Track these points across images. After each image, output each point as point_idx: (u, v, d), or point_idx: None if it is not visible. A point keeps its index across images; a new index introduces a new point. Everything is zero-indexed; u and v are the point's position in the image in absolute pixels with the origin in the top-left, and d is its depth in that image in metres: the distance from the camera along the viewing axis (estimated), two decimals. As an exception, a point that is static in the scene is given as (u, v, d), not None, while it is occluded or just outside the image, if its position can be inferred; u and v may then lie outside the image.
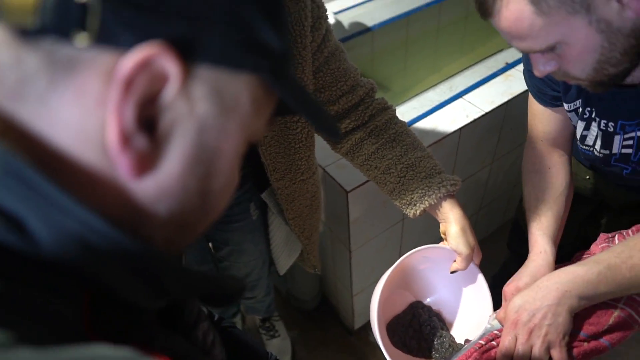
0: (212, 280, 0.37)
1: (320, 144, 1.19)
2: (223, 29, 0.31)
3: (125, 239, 0.30)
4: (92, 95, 0.29)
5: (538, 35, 0.66)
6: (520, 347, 0.76)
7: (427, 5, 1.45)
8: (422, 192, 0.84)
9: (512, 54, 1.55)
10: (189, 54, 0.30)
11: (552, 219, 0.93)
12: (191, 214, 0.35)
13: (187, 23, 0.30)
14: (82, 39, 0.28)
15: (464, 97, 1.42)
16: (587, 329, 0.77)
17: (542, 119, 0.94)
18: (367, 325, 1.63)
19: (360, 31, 1.33)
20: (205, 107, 0.32)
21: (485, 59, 1.56)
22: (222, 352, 0.58)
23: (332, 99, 0.86)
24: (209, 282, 0.37)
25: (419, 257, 0.85)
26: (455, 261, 0.84)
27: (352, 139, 0.89)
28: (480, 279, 0.86)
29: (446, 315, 0.90)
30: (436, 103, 1.41)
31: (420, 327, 0.88)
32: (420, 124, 1.35)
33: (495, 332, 0.81)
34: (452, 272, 0.85)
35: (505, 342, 0.77)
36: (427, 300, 0.91)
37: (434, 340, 0.87)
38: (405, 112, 1.38)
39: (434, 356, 0.85)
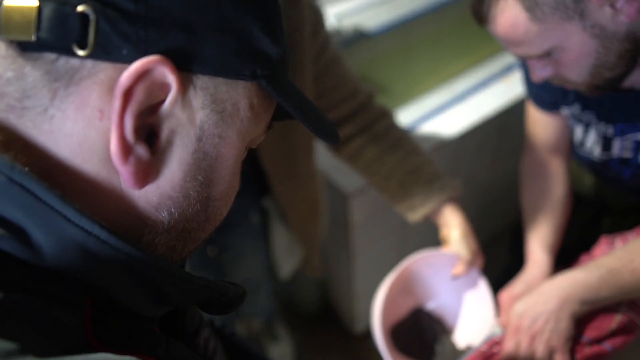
0: (213, 287, 0.37)
1: (321, 149, 1.19)
2: (220, 39, 0.31)
3: (127, 247, 0.31)
4: (94, 107, 0.30)
5: (533, 41, 0.66)
6: (523, 353, 0.76)
7: (428, 10, 1.45)
8: (423, 197, 0.84)
9: (512, 58, 1.55)
10: (187, 64, 0.31)
11: (550, 228, 0.93)
12: (193, 221, 0.36)
13: (185, 34, 0.30)
14: (82, 53, 0.28)
15: (465, 101, 1.42)
16: (590, 333, 0.77)
17: (541, 125, 0.94)
18: (369, 330, 1.63)
19: (360, 36, 1.34)
20: (204, 116, 0.32)
21: (485, 63, 1.56)
22: (224, 359, 0.58)
23: (332, 104, 0.86)
24: (210, 289, 0.37)
25: (421, 262, 0.85)
26: (456, 266, 0.84)
27: (352, 144, 0.89)
28: (482, 283, 0.86)
29: (448, 320, 0.90)
30: (437, 107, 1.41)
31: (422, 332, 0.88)
32: (421, 129, 1.35)
33: (498, 337, 0.81)
34: (453, 277, 0.84)
35: (508, 348, 0.77)
36: (429, 305, 0.91)
37: (436, 346, 0.87)
38: (405, 116, 1.39)
39: (436, 362, 0.85)
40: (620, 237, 0.88)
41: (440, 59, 1.52)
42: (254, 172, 0.93)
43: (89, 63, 0.29)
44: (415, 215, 0.86)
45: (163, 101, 0.31)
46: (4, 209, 0.28)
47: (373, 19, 1.35)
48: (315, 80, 0.84)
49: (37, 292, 0.29)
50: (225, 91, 0.33)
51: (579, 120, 0.87)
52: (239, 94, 0.34)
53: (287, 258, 1.21)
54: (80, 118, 0.30)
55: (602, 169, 0.92)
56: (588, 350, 0.76)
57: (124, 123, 0.30)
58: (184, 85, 0.31)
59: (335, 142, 0.41)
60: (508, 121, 1.45)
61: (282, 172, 0.92)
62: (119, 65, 0.29)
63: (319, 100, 0.86)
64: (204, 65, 0.31)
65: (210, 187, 0.35)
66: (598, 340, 0.77)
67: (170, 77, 0.30)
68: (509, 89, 1.44)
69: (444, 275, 0.87)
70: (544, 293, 0.77)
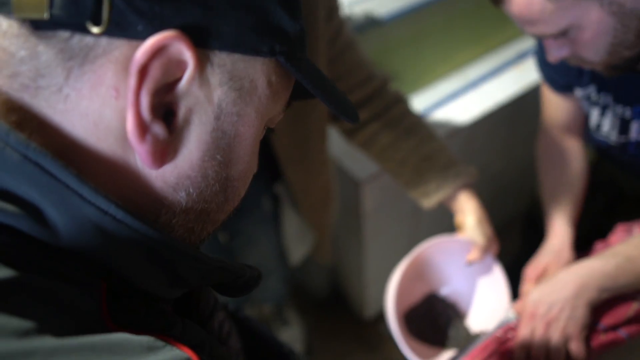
0: (229, 268, 0.37)
1: (333, 135, 1.19)
2: (237, 14, 0.31)
3: (144, 227, 0.30)
4: (109, 86, 0.29)
5: (549, 19, 0.65)
6: (538, 340, 0.75)
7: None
8: (438, 183, 0.83)
9: (525, 45, 1.53)
10: (204, 41, 0.30)
11: (570, 200, 0.93)
12: (212, 202, 0.35)
13: (202, 10, 0.30)
14: (96, 30, 0.28)
15: (477, 88, 1.41)
16: (606, 321, 0.77)
17: (555, 106, 0.94)
18: (379, 316, 1.63)
19: (372, 23, 1.32)
20: (222, 93, 0.32)
21: (498, 50, 1.54)
22: (238, 343, 0.58)
23: (347, 89, 0.86)
24: (226, 271, 0.37)
25: (435, 248, 0.84)
26: (471, 252, 0.83)
27: (367, 130, 0.88)
28: (497, 270, 0.85)
29: (461, 305, 0.90)
30: (449, 95, 1.40)
31: (435, 318, 0.88)
32: (432, 116, 1.34)
33: (512, 323, 0.80)
34: (468, 264, 0.84)
35: (523, 334, 0.76)
36: (443, 291, 0.91)
37: (449, 331, 0.87)
38: (417, 103, 1.37)
39: (449, 347, 0.85)
40: (638, 224, 0.87)
41: (452, 46, 1.50)
42: (266, 158, 0.93)
43: (104, 40, 0.28)
44: (430, 201, 0.85)
45: (180, 79, 0.30)
46: (18, 187, 0.28)
47: (384, 6, 1.33)
48: (330, 65, 0.83)
49: (52, 272, 0.29)
50: (243, 68, 0.32)
51: (594, 103, 0.86)
52: (256, 71, 0.33)
53: (298, 244, 1.21)
54: (96, 97, 0.29)
55: (618, 153, 0.90)
56: (603, 337, 0.76)
57: (140, 101, 0.29)
58: (201, 62, 0.30)
59: (355, 120, 0.40)
60: (520, 109, 1.44)
61: (295, 158, 0.91)
62: (134, 42, 0.29)
63: (333, 85, 0.85)
64: (221, 41, 0.31)
65: (229, 167, 0.35)
66: (614, 328, 0.76)
67: (186, 53, 0.29)
68: (521, 76, 1.43)
69: (458, 261, 0.87)
70: (560, 280, 0.77)
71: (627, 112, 0.81)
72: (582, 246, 0.93)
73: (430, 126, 0.90)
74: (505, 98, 1.37)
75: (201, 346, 0.38)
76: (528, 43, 1.52)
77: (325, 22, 0.79)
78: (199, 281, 0.36)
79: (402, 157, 0.86)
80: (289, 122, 0.85)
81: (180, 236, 0.36)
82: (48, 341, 0.25)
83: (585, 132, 0.96)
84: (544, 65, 0.90)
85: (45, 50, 0.28)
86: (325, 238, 1.17)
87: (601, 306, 0.77)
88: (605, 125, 0.87)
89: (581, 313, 0.75)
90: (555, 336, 0.75)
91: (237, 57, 0.32)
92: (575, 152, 0.97)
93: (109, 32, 0.28)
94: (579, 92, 0.87)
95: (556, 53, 0.71)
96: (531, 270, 0.89)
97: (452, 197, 0.85)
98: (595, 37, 0.66)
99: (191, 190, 0.33)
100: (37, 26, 0.28)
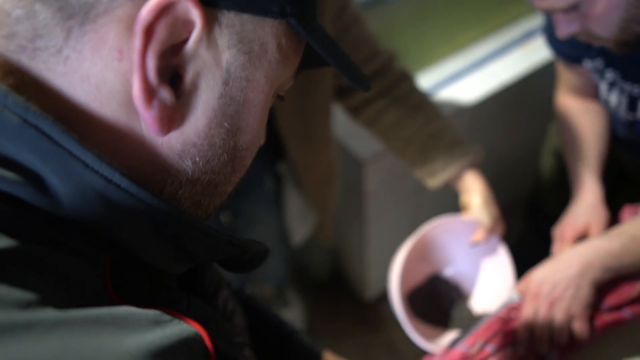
0: (237, 243, 0.36)
1: (337, 114, 1.17)
2: None
3: (149, 196, 0.29)
4: (112, 47, 0.28)
5: None
6: (541, 319, 0.75)
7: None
8: (443, 162, 0.82)
9: (532, 24, 1.50)
10: (212, 0, 0.29)
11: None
12: (220, 172, 0.34)
13: None
14: None
15: (483, 68, 1.39)
16: (609, 300, 0.76)
17: (570, 77, 0.94)
18: (379, 298, 1.64)
19: (375, 1, 1.30)
20: (231, 57, 0.30)
21: (504, 29, 1.51)
22: (243, 321, 0.58)
23: (352, 66, 0.84)
24: (233, 246, 0.36)
25: (439, 228, 0.83)
26: (477, 233, 0.82)
27: (372, 108, 0.87)
28: (502, 251, 0.85)
29: (465, 286, 0.89)
30: (453, 74, 1.38)
31: (438, 298, 0.88)
32: (437, 96, 1.32)
33: (516, 303, 0.80)
34: (473, 244, 0.83)
35: (526, 313, 0.76)
36: (446, 272, 0.90)
37: (452, 312, 0.86)
38: (421, 83, 1.35)
39: (452, 327, 0.84)
40: (645, 205, 0.86)
41: (458, 25, 1.48)
42: (268, 136, 0.91)
43: None
44: (436, 180, 0.84)
45: (186, 40, 0.29)
46: (18, 153, 0.27)
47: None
48: (335, 40, 0.81)
49: (54, 243, 0.28)
50: (252, 29, 0.31)
51: (602, 76, 0.84)
52: (266, 33, 0.31)
53: (299, 224, 1.20)
54: (98, 59, 0.28)
55: (625, 131, 0.89)
56: (607, 317, 0.76)
57: (146, 63, 0.28)
58: (209, 22, 0.29)
59: (367, 89, 0.39)
60: (525, 90, 1.42)
61: (299, 136, 0.90)
62: (137, 1, 0.27)
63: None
64: (230, 0, 0.29)
65: (236, 136, 0.33)
66: (617, 307, 0.76)
67: (194, 12, 0.28)
68: (527, 57, 1.41)
69: (463, 241, 0.86)
70: (564, 260, 0.76)
71: (636, 90, 0.80)
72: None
73: (437, 104, 0.89)
74: (511, 78, 1.35)
75: (207, 322, 0.37)
76: (534, 22, 1.50)
77: (330, -4, 0.77)
78: (205, 255, 0.35)
79: (408, 135, 0.85)
80: (293, 98, 0.84)
81: (186, 210, 0.34)
82: (50, 313, 0.24)
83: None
84: (554, 40, 0.88)
85: (42, 9, 0.27)
86: (328, 218, 1.16)
87: (605, 286, 0.77)
88: (613, 100, 0.85)
89: (585, 292, 0.74)
90: (559, 315, 0.74)
91: (246, 17, 0.30)
92: (594, 110, 0.95)
93: None
94: (587, 64, 0.86)
95: (566, 28, 0.70)
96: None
97: (458, 177, 0.84)
98: (606, 11, 0.64)
99: (197, 159, 0.32)
100: None
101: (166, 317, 0.29)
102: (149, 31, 0.27)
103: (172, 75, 0.29)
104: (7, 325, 0.23)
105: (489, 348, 0.76)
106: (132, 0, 0.27)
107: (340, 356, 0.72)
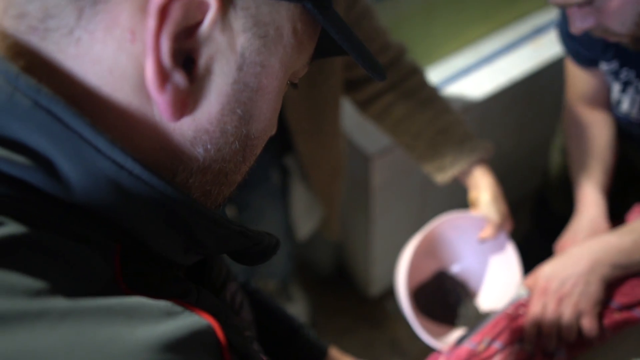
0: (249, 234, 0.35)
1: (345, 107, 1.16)
2: None
3: (162, 183, 0.28)
4: (124, 28, 0.27)
5: None
6: (549, 316, 0.74)
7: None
8: (453, 158, 0.82)
9: (541, 20, 1.49)
10: None
11: (600, 170, 0.91)
12: (231, 161, 0.33)
13: None
14: None
15: (492, 64, 1.38)
16: (619, 299, 0.75)
17: (580, 80, 0.91)
18: (383, 294, 1.63)
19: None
20: (246, 41, 0.29)
21: (514, 25, 1.50)
22: (250, 314, 0.57)
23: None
24: (245, 237, 0.35)
25: (447, 224, 0.83)
26: (485, 229, 0.82)
27: (381, 101, 0.86)
28: (510, 248, 0.84)
29: (472, 283, 0.89)
30: (462, 70, 1.37)
31: (445, 295, 0.87)
32: (445, 91, 1.31)
33: (524, 299, 0.79)
34: (480, 241, 0.82)
35: (534, 310, 0.75)
36: (453, 269, 0.89)
37: (459, 309, 0.86)
38: (429, 78, 1.34)
39: (459, 325, 0.84)
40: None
41: (466, 20, 1.47)
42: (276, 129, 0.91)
43: None
44: (445, 176, 0.83)
45: (201, 22, 0.28)
46: (29, 137, 0.26)
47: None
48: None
49: (64, 230, 0.27)
50: (268, 13, 0.30)
51: (616, 77, 0.83)
52: (282, 17, 0.31)
53: (305, 219, 1.19)
54: (110, 40, 0.27)
55: (638, 131, 0.88)
56: (617, 316, 0.75)
57: (160, 45, 0.27)
58: (224, 4, 0.28)
59: (382, 77, 0.38)
60: (535, 86, 1.41)
61: (307, 129, 0.89)
62: None
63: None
64: None
65: (249, 123, 0.33)
66: (628, 307, 0.75)
67: None
68: (536, 53, 1.39)
69: (470, 238, 0.85)
70: (573, 255, 0.75)
71: None
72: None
73: (447, 99, 0.88)
74: (520, 74, 1.34)
75: (217, 315, 0.36)
76: (544, 18, 1.49)
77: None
78: (216, 246, 0.35)
79: (417, 129, 0.84)
80: (303, 90, 0.83)
81: (196, 199, 0.34)
82: (61, 302, 0.24)
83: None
84: (568, 38, 0.87)
85: None
86: (334, 213, 1.15)
87: (615, 284, 0.76)
88: (626, 101, 0.84)
89: (594, 289, 0.73)
90: (568, 312, 0.73)
91: (261, 0, 0.29)
92: (603, 122, 0.94)
93: None
94: (604, 66, 0.84)
95: (580, 24, 0.68)
96: (569, 245, 0.86)
97: (467, 172, 0.83)
98: (622, 5, 0.63)
99: (209, 146, 0.31)
100: None
101: (178, 308, 0.28)
102: (163, 12, 0.26)
103: (185, 59, 0.29)
104: (16, 314, 0.22)
105: (496, 345, 0.75)
106: None
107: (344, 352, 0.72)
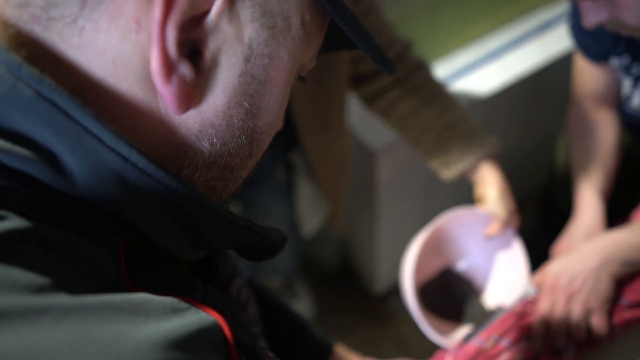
0: (255, 229, 0.34)
1: (350, 103, 1.16)
2: None
3: (168, 177, 0.28)
4: (129, 17, 0.26)
5: None
6: (558, 313, 0.73)
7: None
8: (459, 153, 0.81)
9: (548, 15, 1.47)
10: None
11: (601, 173, 0.90)
12: (237, 156, 0.33)
13: None
14: None
15: (498, 59, 1.36)
16: (629, 296, 0.75)
17: (589, 76, 0.90)
18: (388, 292, 1.63)
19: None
20: (253, 31, 0.29)
21: (520, 20, 1.49)
22: (256, 311, 0.57)
23: (367, 54, 0.82)
24: (252, 232, 0.34)
25: (453, 221, 0.82)
26: (491, 226, 0.81)
27: (387, 97, 0.85)
28: (516, 244, 0.83)
29: (478, 281, 0.88)
30: (468, 65, 1.36)
31: (451, 293, 0.86)
32: (450, 87, 1.30)
33: (532, 297, 0.79)
34: (487, 237, 0.82)
35: (543, 307, 0.74)
36: (459, 266, 0.89)
37: (465, 306, 0.85)
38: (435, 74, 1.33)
39: (465, 322, 0.83)
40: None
41: (473, 15, 1.45)
42: (282, 125, 0.90)
43: None
44: (451, 172, 0.82)
45: (207, 12, 0.27)
46: (32, 129, 0.25)
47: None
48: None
49: (68, 224, 0.27)
50: (276, 3, 0.29)
51: (627, 72, 0.82)
52: (290, 7, 0.30)
53: (310, 216, 1.19)
54: (114, 30, 0.26)
55: None
56: (627, 314, 0.74)
57: (165, 35, 0.26)
58: None
59: (391, 71, 0.37)
60: (541, 82, 1.39)
61: (313, 125, 0.89)
62: None
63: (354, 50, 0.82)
64: None
65: (256, 117, 0.32)
66: (638, 305, 0.74)
67: None
68: (544, 49, 1.38)
69: (477, 235, 0.84)
70: (583, 252, 0.75)
71: None
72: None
73: (453, 95, 0.87)
74: (527, 70, 1.32)
75: (223, 311, 0.36)
76: (551, 13, 1.47)
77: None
78: (222, 242, 0.34)
79: (423, 125, 0.83)
80: (309, 86, 0.82)
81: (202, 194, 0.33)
82: (64, 299, 0.23)
83: (618, 101, 0.93)
84: (578, 32, 0.85)
85: None
86: (339, 209, 1.15)
87: (625, 281, 0.75)
88: (637, 97, 0.83)
89: (604, 286, 0.72)
90: (577, 309, 0.72)
91: None
92: (608, 124, 0.93)
93: None
94: (615, 62, 0.83)
95: (593, 17, 0.67)
96: (564, 248, 0.86)
97: (473, 168, 0.82)
98: None
99: (215, 140, 0.31)
100: None
101: (184, 305, 0.28)
102: (169, 1, 0.26)
103: (191, 50, 0.28)
104: (18, 310, 0.22)
105: (504, 342, 0.74)
106: None
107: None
